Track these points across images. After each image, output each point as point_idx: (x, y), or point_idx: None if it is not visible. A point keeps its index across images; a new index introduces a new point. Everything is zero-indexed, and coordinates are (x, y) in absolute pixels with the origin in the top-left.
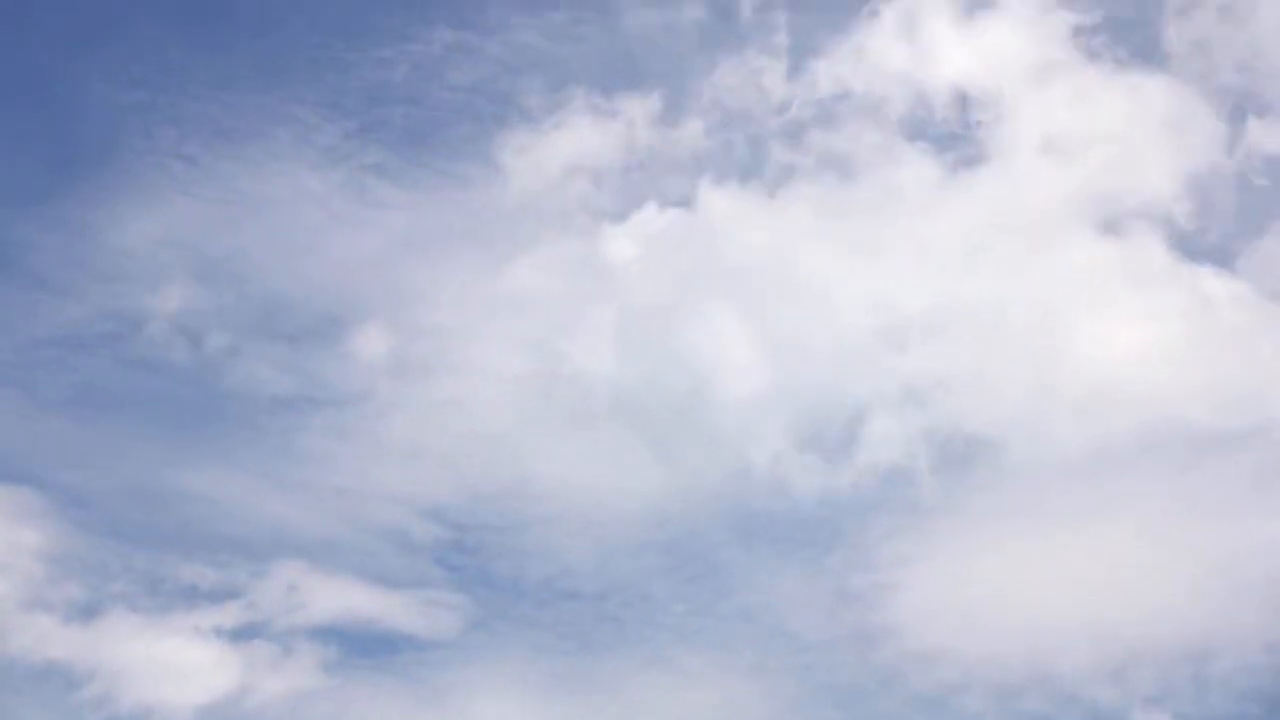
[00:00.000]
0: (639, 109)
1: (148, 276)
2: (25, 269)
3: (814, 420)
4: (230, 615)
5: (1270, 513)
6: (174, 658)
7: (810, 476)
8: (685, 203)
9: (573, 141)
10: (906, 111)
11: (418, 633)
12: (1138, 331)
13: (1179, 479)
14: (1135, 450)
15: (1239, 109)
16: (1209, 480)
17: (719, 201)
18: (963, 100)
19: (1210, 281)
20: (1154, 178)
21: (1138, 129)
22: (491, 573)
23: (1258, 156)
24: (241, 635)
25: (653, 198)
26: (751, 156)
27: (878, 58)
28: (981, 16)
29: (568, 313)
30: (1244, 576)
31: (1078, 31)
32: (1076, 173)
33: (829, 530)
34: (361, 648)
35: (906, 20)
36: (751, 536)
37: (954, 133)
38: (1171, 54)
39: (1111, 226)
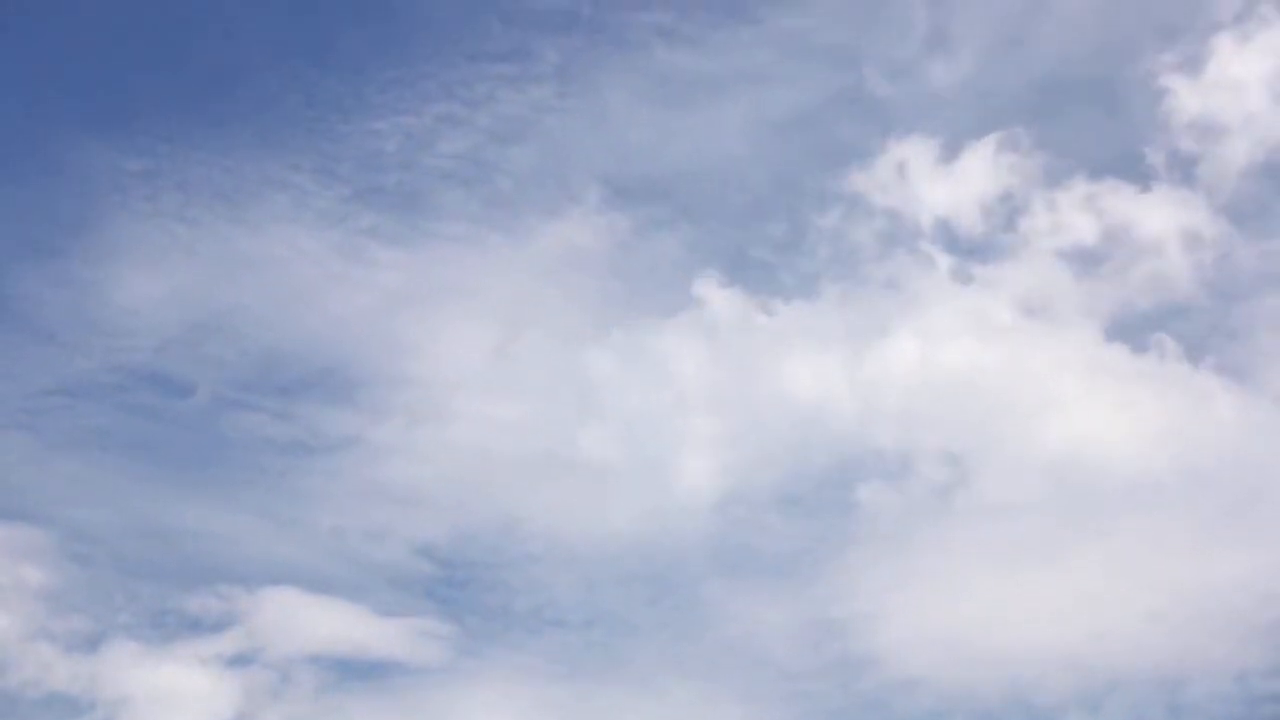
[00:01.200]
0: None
1: (152, 332)
2: (35, 323)
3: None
4: (229, 644)
5: (1234, 548)
6: (174, 685)
7: (791, 521)
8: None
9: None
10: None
11: (409, 660)
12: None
13: (1147, 517)
14: (1106, 491)
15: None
16: (1175, 518)
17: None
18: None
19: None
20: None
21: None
22: (481, 603)
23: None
24: (239, 663)
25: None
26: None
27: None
28: None
29: (555, 371)
30: (1212, 609)
31: None
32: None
33: (809, 561)
34: (355, 674)
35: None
36: (734, 569)
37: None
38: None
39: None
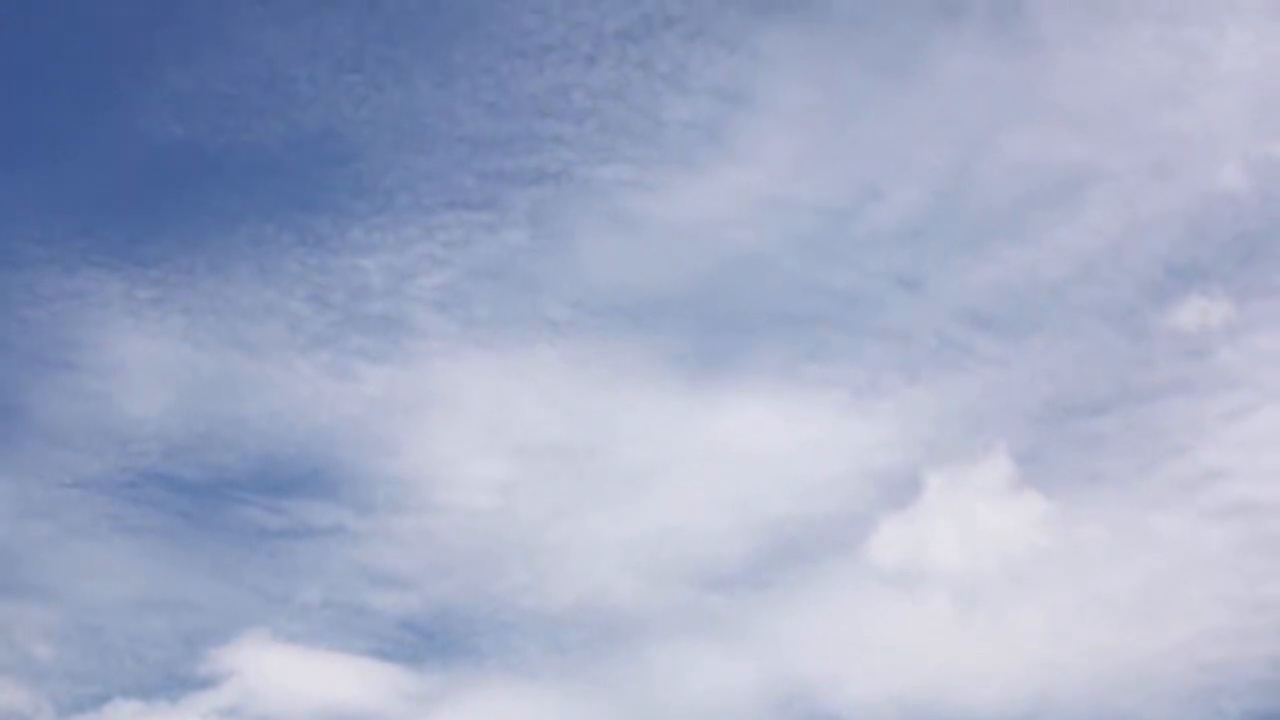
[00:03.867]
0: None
1: (159, 438)
2: (54, 430)
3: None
4: (223, 698)
5: (1168, 618)
6: None
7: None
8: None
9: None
10: None
11: (386, 710)
12: None
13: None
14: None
15: None
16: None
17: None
18: None
19: None
20: None
21: None
22: (456, 662)
23: None
24: (232, 714)
25: None
26: None
27: None
28: None
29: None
30: (1152, 674)
31: None
32: None
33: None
34: None
35: None
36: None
37: None
38: None
39: None
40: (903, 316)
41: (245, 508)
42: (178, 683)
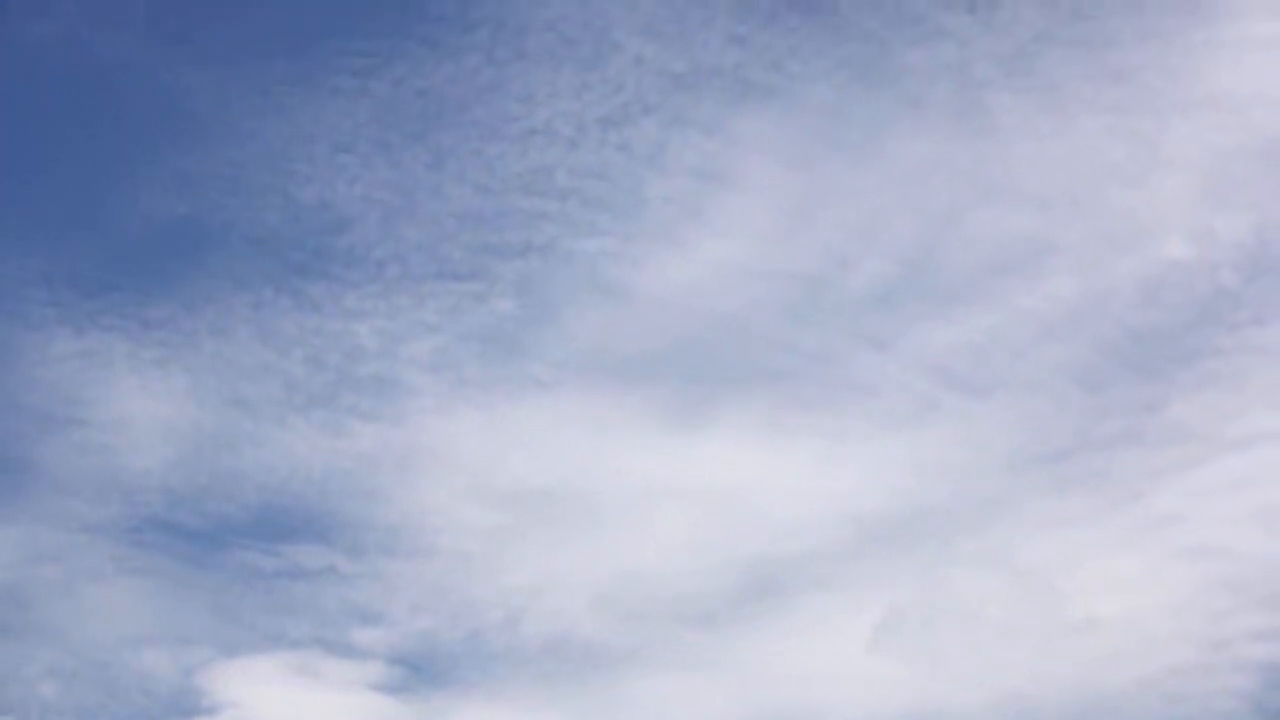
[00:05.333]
0: None
1: (162, 490)
2: (64, 481)
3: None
4: None
5: (1138, 650)
6: None
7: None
8: None
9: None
10: None
11: None
12: None
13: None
14: None
15: None
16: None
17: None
18: None
19: None
20: None
21: None
22: (440, 688)
23: None
24: None
25: None
26: None
27: None
28: None
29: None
30: (1118, 707)
31: None
32: None
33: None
34: None
35: None
36: (666, 664)
37: None
38: None
39: None
40: (872, 374)
41: (243, 551)
42: (179, 713)
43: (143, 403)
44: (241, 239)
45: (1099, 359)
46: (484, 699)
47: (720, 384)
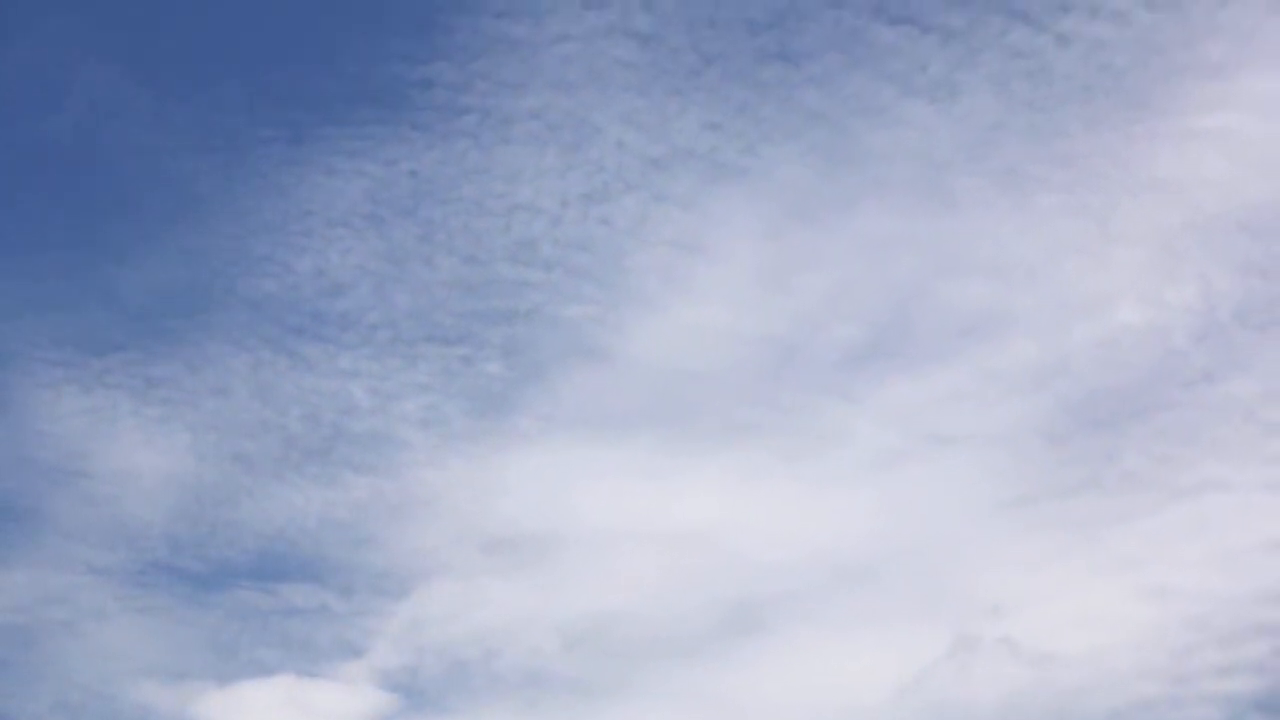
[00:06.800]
0: None
1: (165, 538)
2: (71, 530)
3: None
4: None
5: (1105, 684)
6: None
7: None
8: None
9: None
10: None
11: None
12: None
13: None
14: None
15: None
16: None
17: None
18: None
19: None
20: None
21: None
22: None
23: None
24: None
25: None
26: None
27: None
28: None
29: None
30: None
31: None
32: None
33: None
34: None
35: None
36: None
37: None
38: None
39: None
40: (844, 426)
41: (241, 591)
42: None
43: (147, 456)
44: (241, 303)
45: (1059, 414)
46: None
47: (698, 436)
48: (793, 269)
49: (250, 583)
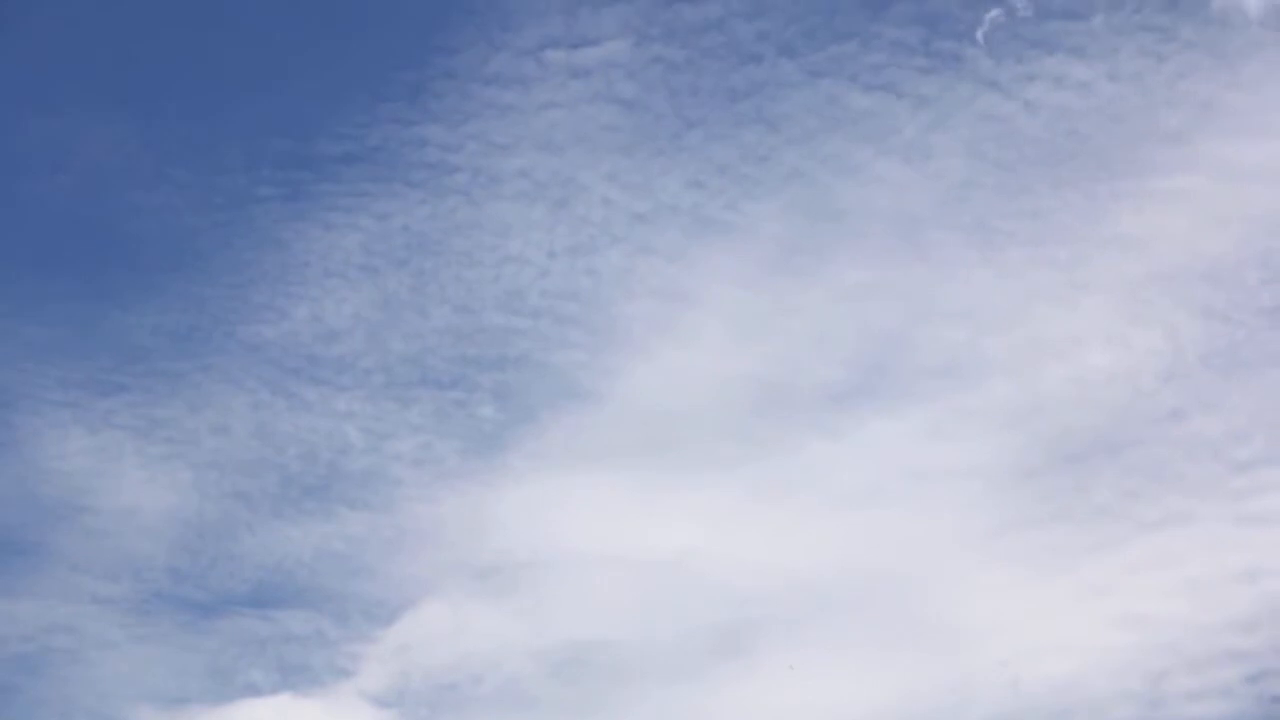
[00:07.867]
0: None
1: (166, 569)
2: (73, 560)
3: None
4: None
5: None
6: None
7: None
8: None
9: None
10: None
11: None
12: None
13: None
14: None
15: None
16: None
17: None
18: None
19: None
20: None
21: None
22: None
23: None
24: None
25: None
26: None
27: None
28: None
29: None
30: None
31: None
32: None
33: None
34: None
35: None
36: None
37: None
38: None
39: None
40: (825, 461)
41: (239, 618)
42: None
43: (150, 493)
44: (241, 348)
45: (1032, 450)
46: None
47: (682, 470)
48: (774, 315)
49: (249, 610)
